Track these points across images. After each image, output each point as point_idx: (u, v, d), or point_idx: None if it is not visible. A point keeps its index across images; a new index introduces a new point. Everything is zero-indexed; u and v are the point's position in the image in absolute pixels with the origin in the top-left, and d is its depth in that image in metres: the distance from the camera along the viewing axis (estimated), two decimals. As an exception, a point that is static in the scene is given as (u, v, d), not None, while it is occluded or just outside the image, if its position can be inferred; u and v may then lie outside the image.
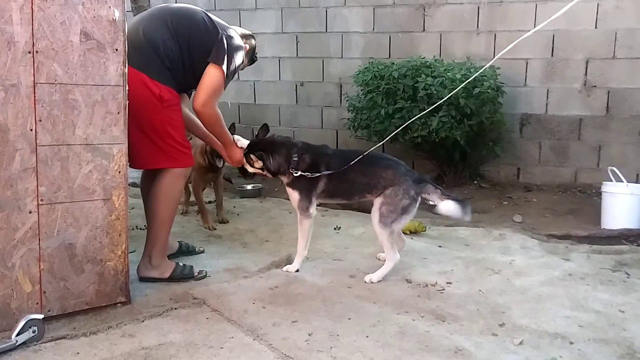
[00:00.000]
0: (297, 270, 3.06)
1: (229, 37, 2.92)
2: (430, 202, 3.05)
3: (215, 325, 2.44)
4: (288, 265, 3.10)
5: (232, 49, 2.91)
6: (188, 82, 2.91)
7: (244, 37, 3.14)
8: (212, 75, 2.84)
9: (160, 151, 2.83)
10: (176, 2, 6.58)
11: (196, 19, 2.88)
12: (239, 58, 2.97)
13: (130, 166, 2.95)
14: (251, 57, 3.23)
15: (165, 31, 2.80)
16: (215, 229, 4.00)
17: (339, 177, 2.99)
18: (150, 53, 2.75)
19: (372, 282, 2.91)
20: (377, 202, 2.96)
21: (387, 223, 2.92)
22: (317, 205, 3.11)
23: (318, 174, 2.98)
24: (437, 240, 3.73)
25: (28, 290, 2.34)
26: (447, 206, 2.95)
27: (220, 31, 2.89)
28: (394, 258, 2.97)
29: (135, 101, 2.63)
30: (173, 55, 2.80)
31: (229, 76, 2.91)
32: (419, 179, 3.03)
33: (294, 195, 3.05)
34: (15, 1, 2.18)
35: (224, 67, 2.85)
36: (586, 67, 5.19)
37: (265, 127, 3.22)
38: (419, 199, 2.99)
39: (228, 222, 4.13)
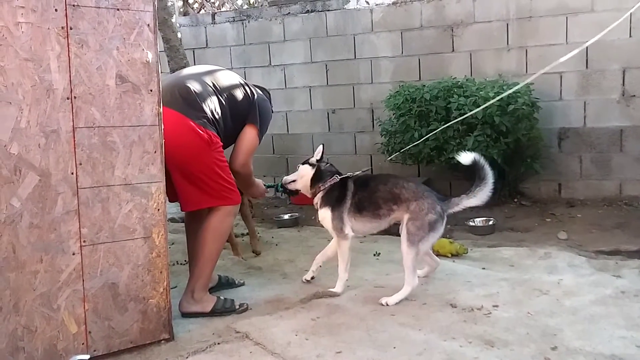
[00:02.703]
0: (339, 295, 3.07)
1: (262, 100, 3.16)
2: (465, 207, 3.09)
3: (259, 358, 2.42)
4: (330, 288, 3.11)
5: (266, 111, 3.16)
6: (225, 141, 3.05)
7: (261, 92, 3.34)
8: (250, 136, 3.06)
9: (211, 191, 2.90)
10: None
11: (238, 88, 3.09)
12: (270, 116, 3.23)
13: (181, 209, 3.05)
14: None
15: (212, 93, 2.96)
16: (245, 259, 4.01)
17: (363, 189, 3.11)
18: (201, 109, 2.88)
19: (387, 305, 2.89)
20: (405, 219, 2.98)
21: (414, 242, 2.93)
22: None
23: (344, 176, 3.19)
24: (480, 262, 3.64)
25: (74, 331, 2.37)
26: (482, 197, 3.04)
27: (255, 95, 3.12)
28: (413, 282, 2.96)
29: (184, 146, 2.77)
30: (219, 116, 2.95)
31: (262, 134, 3.14)
32: (442, 197, 3.09)
33: (326, 213, 3.13)
34: (53, 50, 2.26)
35: (259, 127, 3.09)
36: (623, 77, 5.08)
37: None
38: (446, 217, 3.01)
39: (260, 253, 4.10)
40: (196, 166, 2.85)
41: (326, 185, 3.17)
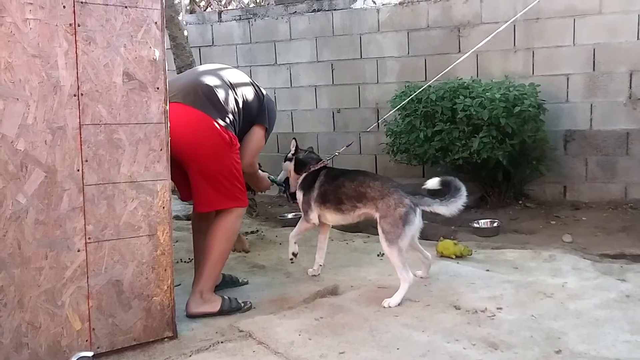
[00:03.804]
0: (292, 259, 3.41)
1: (270, 101, 3.21)
2: (434, 212, 3.09)
3: (262, 358, 2.42)
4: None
5: (273, 112, 3.22)
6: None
7: None
8: (259, 136, 3.11)
9: (227, 192, 2.91)
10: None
11: (250, 87, 3.11)
12: (275, 116, 3.29)
13: (195, 210, 3.06)
14: None
15: (231, 93, 2.98)
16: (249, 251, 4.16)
17: (330, 181, 3.24)
18: (223, 109, 2.89)
19: (390, 307, 2.89)
20: (376, 218, 3.05)
21: (392, 240, 2.96)
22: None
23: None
24: (484, 264, 3.63)
25: (78, 328, 2.37)
26: (452, 209, 3.02)
27: (264, 95, 3.16)
28: (407, 278, 2.96)
29: (207, 146, 2.80)
30: (236, 115, 2.97)
31: (269, 135, 3.20)
32: (414, 192, 3.09)
33: (299, 196, 3.34)
34: (60, 46, 2.26)
35: (267, 126, 3.15)
36: (630, 80, 5.05)
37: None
38: (418, 209, 3.01)
39: (249, 251, 4.18)
40: (216, 167, 2.86)
41: (303, 174, 3.37)
